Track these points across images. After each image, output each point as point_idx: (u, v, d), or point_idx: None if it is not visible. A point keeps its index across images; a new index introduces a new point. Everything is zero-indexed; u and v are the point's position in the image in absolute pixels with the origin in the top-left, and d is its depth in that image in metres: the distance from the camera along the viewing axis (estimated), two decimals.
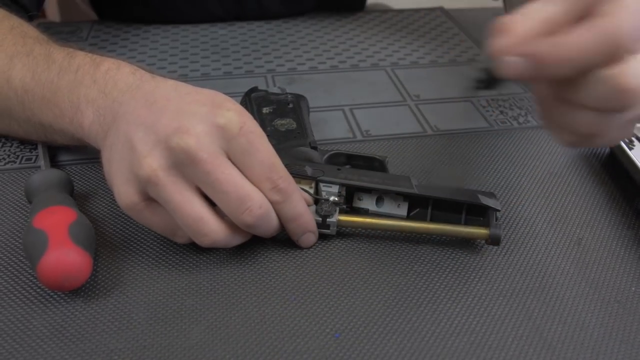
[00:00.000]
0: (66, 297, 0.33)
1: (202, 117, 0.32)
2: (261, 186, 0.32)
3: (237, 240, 0.34)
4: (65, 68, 0.37)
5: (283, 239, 0.37)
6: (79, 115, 0.36)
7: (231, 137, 0.32)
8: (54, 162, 0.44)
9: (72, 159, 0.44)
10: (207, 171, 0.31)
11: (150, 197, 0.32)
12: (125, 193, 0.32)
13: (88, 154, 0.44)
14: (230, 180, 0.31)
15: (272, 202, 0.33)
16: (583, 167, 0.46)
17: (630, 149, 0.44)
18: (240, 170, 0.32)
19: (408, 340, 0.32)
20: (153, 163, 0.31)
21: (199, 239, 0.32)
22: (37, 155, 0.44)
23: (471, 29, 0.70)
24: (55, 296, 0.33)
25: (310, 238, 0.36)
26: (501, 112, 0.53)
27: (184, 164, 0.31)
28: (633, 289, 0.36)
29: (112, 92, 0.35)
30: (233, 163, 0.32)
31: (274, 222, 0.34)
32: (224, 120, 0.32)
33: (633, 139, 0.48)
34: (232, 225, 0.33)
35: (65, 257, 0.31)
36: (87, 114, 0.35)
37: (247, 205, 0.31)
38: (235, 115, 0.32)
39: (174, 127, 0.31)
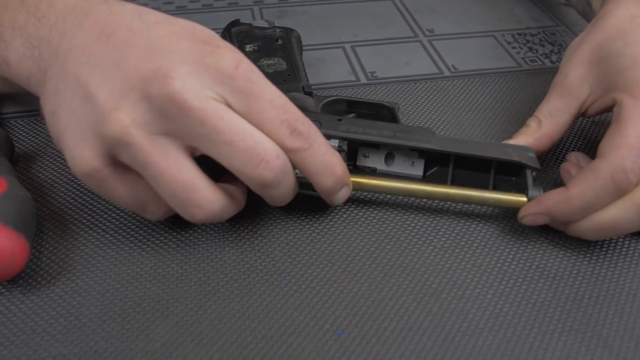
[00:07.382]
0: None
1: (184, 54, 0.25)
2: (277, 133, 0.26)
3: (231, 211, 0.28)
4: None
5: (269, 208, 0.32)
6: (2, 47, 0.28)
7: (227, 78, 0.26)
8: None
9: (15, 111, 0.38)
10: (201, 120, 0.25)
11: (116, 161, 0.26)
12: (81, 156, 0.26)
13: (35, 105, 0.37)
14: (233, 126, 0.25)
15: (293, 152, 0.27)
16: None
17: None
18: (246, 119, 0.26)
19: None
20: (124, 118, 0.25)
21: (189, 212, 0.26)
22: None
23: None
24: None
25: (346, 193, 0.30)
26: (530, 48, 0.47)
27: (167, 117, 0.25)
28: None
29: (48, 17, 0.27)
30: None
31: (293, 178, 0.28)
32: (215, 59, 0.25)
33: None
34: (229, 193, 0.27)
35: None
36: (15, 45, 0.28)
37: (261, 156, 0.26)
38: (228, 52, 0.26)
39: (149, 68, 0.25)
